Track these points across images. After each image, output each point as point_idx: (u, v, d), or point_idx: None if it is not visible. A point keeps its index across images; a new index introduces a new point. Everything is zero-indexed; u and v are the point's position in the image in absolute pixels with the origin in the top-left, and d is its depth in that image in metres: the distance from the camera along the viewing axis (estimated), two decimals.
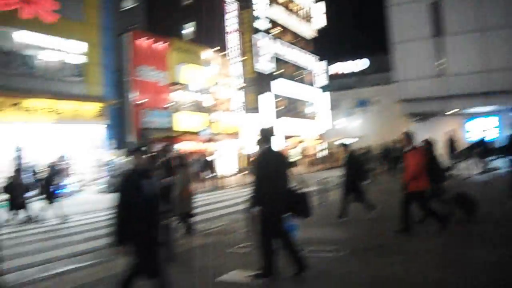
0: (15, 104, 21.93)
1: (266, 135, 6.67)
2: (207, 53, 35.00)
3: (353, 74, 61.15)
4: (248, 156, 33.48)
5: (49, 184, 15.05)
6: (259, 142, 6.67)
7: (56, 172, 15.51)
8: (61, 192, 15.46)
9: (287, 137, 43.99)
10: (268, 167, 6.46)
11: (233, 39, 38.92)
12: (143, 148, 5.26)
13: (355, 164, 11.85)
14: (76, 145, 25.01)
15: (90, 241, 11.05)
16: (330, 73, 58.74)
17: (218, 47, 36.77)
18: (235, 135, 37.32)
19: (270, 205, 6.35)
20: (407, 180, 9.12)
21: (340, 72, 62.04)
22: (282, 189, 6.49)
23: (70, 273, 7.95)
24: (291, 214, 6.57)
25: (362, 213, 11.55)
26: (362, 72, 60.75)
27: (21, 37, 23.27)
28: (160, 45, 31.33)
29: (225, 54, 37.98)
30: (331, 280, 6.47)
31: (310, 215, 6.69)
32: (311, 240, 8.80)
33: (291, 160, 38.66)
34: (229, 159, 35.70)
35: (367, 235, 9.58)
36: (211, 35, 36.70)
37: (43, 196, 15.11)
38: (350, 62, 62.39)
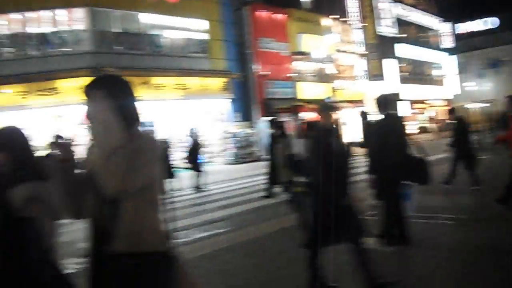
0: (144, 82, 22.19)
1: (385, 101, 6.45)
2: (327, 21, 33.43)
3: (481, 33, 55.97)
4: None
5: (195, 155, 15.21)
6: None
7: (198, 143, 15.57)
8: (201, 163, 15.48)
9: (413, 103, 41.33)
10: (387, 134, 6.25)
11: (352, 5, 36.92)
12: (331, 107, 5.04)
13: (462, 131, 10.99)
14: (203, 118, 24.90)
15: (222, 209, 11.19)
16: (456, 33, 54.35)
17: (338, 15, 35.01)
18: (359, 102, 35.55)
19: (388, 172, 6.12)
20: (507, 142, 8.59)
21: (467, 31, 57.15)
22: (400, 155, 6.24)
23: (205, 240, 8.06)
24: (409, 181, 6.35)
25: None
26: (492, 31, 55.41)
27: (147, 18, 23.63)
28: (279, 16, 30.33)
29: (345, 21, 36.14)
30: (456, 246, 6.19)
31: (429, 182, 6.44)
32: (436, 208, 8.49)
33: (416, 126, 36.34)
34: (354, 127, 33.99)
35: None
36: (330, 2, 34.92)
37: (190, 166, 15.25)
38: (477, 21, 57.26)
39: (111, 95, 2.36)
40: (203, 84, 25.11)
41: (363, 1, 37.80)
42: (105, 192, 2.23)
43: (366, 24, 37.69)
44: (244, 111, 27.05)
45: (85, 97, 2.42)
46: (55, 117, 20.28)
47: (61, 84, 20.91)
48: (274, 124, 11.74)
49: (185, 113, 23.68)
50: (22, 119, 17.72)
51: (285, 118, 28.32)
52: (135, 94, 2.53)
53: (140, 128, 2.49)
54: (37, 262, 2.45)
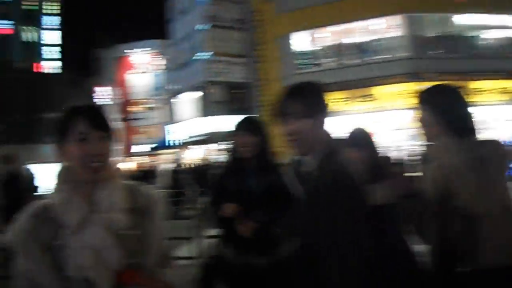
0: (461, 87, 19.89)
1: None
2: None
3: None
4: None
5: None
6: None
7: None
8: None
9: None
10: None
11: None
12: None
13: None
14: None
15: None
16: None
17: None
18: None
19: None
20: None
21: None
22: None
23: None
24: None
25: None
26: None
27: (462, 19, 21.58)
28: None
29: None
30: None
31: None
32: None
33: None
34: None
35: None
36: None
37: None
38: None
39: (440, 105, 2.26)
40: None
41: None
42: (465, 211, 2.06)
43: None
44: None
45: (420, 105, 2.36)
46: (372, 123, 19.86)
47: (378, 90, 20.73)
48: None
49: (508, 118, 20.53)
50: (344, 124, 17.56)
51: None
52: (466, 101, 2.34)
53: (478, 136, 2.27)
54: (395, 241, 2.72)
